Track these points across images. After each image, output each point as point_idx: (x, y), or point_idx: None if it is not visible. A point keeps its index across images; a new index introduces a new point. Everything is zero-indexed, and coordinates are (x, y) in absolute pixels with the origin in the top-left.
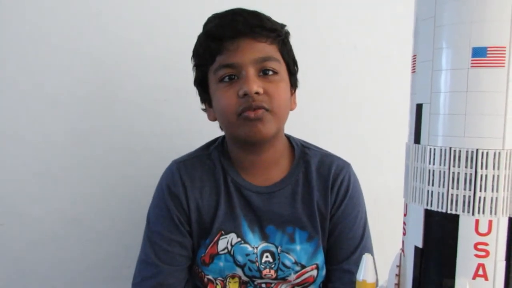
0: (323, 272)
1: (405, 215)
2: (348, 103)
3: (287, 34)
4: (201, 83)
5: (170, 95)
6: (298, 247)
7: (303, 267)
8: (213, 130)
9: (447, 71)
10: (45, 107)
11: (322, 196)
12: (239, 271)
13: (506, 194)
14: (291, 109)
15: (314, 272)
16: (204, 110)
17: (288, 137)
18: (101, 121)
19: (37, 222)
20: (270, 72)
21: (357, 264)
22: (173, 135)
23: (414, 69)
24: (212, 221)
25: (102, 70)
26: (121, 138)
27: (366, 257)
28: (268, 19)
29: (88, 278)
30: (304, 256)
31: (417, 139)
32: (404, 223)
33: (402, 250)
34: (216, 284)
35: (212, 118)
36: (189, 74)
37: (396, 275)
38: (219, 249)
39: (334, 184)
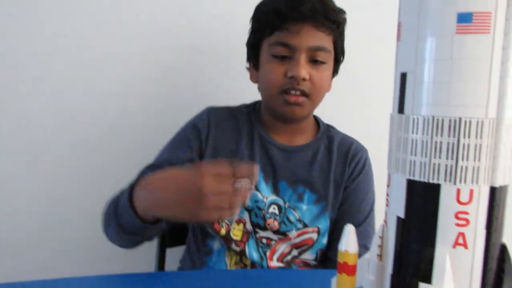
0: (324, 239)
1: (388, 186)
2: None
3: (344, 22)
4: (253, 47)
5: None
6: (304, 207)
7: (305, 226)
8: None
9: (432, 38)
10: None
11: (339, 167)
12: (246, 216)
13: (488, 164)
14: (327, 91)
15: (315, 236)
16: (247, 69)
17: (315, 116)
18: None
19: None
20: (319, 61)
21: (360, 236)
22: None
23: (399, 37)
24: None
25: (89, 52)
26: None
27: (348, 228)
28: (333, 8)
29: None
30: (308, 216)
31: (401, 109)
32: (388, 194)
33: (385, 221)
34: (222, 226)
35: (254, 80)
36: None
37: (379, 246)
38: None
39: (352, 160)
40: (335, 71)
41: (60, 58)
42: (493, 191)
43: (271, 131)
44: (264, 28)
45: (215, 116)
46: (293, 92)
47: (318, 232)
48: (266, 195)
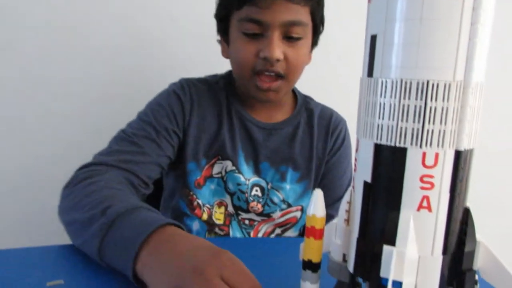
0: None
1: (356, 151)
2: None
3: None
4: (222, 20)
5: None
6: (288, 186)
7: (289, 206)
8: None
9: None
10: None
11: (321, 141)
12: (227, 199)
13: (454, 127)
14: (306, 64)
15: (298, 214)
16: (219, 42)
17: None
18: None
19: None
20: (295, 38)
21: (338, 210)
22: None
23: None
24: (210, 143)
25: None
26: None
27: (316, 193)
28: None
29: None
30: (292, 196)
31: (370, 72)
32: (356, 159)
33: (353, 186)
34: (203, 211)
35: (226, 55)
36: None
37: (346, 211)
38: (213, 172)
39: (334, 131)
40: (314, 43)
41: None
42: (458, 154)
43: (249, 108)
44: (232, 2)
45: (194, 90)
46: (266, 73)
47: (302, 210)
48: (248, 177)
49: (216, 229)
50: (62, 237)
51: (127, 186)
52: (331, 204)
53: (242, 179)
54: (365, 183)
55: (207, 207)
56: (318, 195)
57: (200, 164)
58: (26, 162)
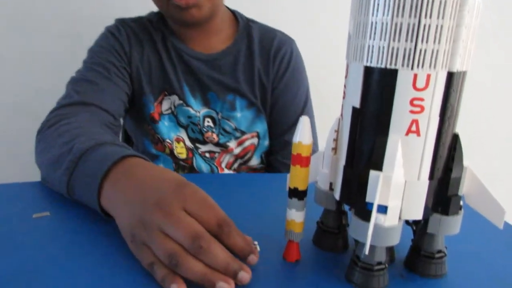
0: (265, 142)
1: (346, 77)
2: None
3: None
4: None
5: None
6: (238, 114)
7: (243, 133)
8: None
9: None
10: None
11: (263, 67)
12: (183, 133)
13: (447, 47)
14: None
15: (255, 140)
16: None
17: (233, 11)
18: None
19: None
20: None
21: None
22: None
23: None
24: (154, 79)
25: None
26: None
27: (303, 120)
28: None
29: None
30: (244, 123)
31: None
32: (345, 86)
33: (341, 114)
34: (165, 146)
35: None
36: None
37: (334, 140)
38: (163, 109)
39: (276, 56)
40: None
41: None
42: (450, 76)
43: (185, 40)
44: None
45: (131, 30)
46: None
47: (258, 136)
48: (198, 109)
49: (181, 163)
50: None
51: (97, 123)
52: (288, 130)
53: (192, 111)
54: (354, 108)
55: (168, 142)
56: (304, 122)
57: (150, 100)
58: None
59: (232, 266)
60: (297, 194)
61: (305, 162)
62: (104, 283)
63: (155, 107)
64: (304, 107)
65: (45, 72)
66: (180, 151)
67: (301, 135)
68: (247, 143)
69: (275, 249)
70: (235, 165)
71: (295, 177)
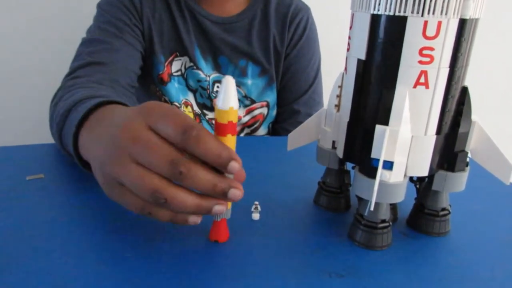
0: (274, 112)
1: (350, 28)
2: None
3: None
4: None
5: None
6: (249, 81)
7: (252, 102)
8: None
9: None
10: None
11: (279, 33)
12: (191, 97)
13: None
14: None
15: (265, 110)
16: None
17: None
18: None
19: None
20: None
21: (306, 105)
22: None
23: None
24: (166, 39)
25: None
26: None
27: (226, 80)
28: None
29: None
30: (254, 91)
31: None
32: (349, 37)
33: (345, 68)
34: None
35: None
36: None
37: (337, 96)
38: (173, 70)
39: (292, 22)
40: None
41: None
42: (462, 24)
43: (199, 0)
44: None
45: None
46: None
47: (268, 106)
48: (208, 73)
49: None
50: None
51: (107, 84)
52: (298, 99)
53: (202, 75)
54: (359, 61)
55: (176, 105)
56: (228, 82)
57: (160, 60)
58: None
59: (220, 185)
60: None
61: (235, 129)
62: (98, 247)
63: (165, 68)
64: (315, 78)
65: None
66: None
67: (232, 99)
68: (256, 112)
69: (275, 210)
70: (242, 134)
71: None
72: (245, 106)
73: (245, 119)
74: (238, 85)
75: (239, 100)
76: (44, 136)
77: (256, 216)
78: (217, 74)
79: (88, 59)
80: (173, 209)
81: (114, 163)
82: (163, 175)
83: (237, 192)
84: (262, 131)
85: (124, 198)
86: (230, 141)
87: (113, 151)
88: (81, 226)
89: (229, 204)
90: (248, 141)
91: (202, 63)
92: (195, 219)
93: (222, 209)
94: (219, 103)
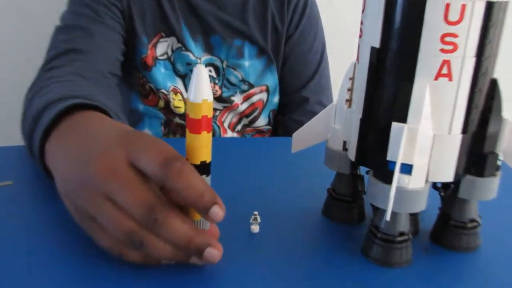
0: (275, 98)
1: (363, 11)
2: None
3: None
4: None
5: None
6: (246, 63)
7: (250, 86)
8: None
9: None
10: None
11: (277, 11)
12: (179, 84)
13: None
14: None
15: (264, 96)
16: None
17: None
18: None
19: None
20: None
21: (314, 90)
22: None
23: None
24: (148, 16)
25: None
26: None
27: (198, 69)
28: None
29: None
30: (252, 74)
31: None
32: (361, 22)
33: (357, 58)
34: (159, 97)
35: None
36: None
37: (348, 89)
38: (158, 53)
39: (291, 0)
40: None
41: None
42: (489, 7)
43: None
44: None
45: None
46: None
47: (267, 91)
48: (199, 56)
49: (176, 118)
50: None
51: (87, 74)
52: (305, 85)
53: (192, 57)
54: (373, 49)
55: (163, 92)
56: (200, 71)
57: (142, 42)
58: None
59: (196, 241)
60: (205, 169)
61: (210, 125)
62: (72, 263)
63: (149, 50)
64: (321, 60)
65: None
66: (178, 104)
67: (205, 90)
68: (255, 99)
69: (277, 221)
70: (239, 126)
71: (203, 148)
72: (242, 92)
73: (243, 107)
74: (235, 67)
75: (235, 85)
76: (14, 137)
77: (255, 228)
78: (210, 56)
79: (65, 46)
80: (148, 254)
81: (86, 198)
82: (137, 220)
83: (214, 253)
84: (262, 120)
85: (94, 233)
86: (206, 139)
87: (85, 183)
88: (54, 239)
89: None
90: (245, 142)
91: (192, 44)
92: (169, 262)
93: (197, 262)
94: (190, 95)
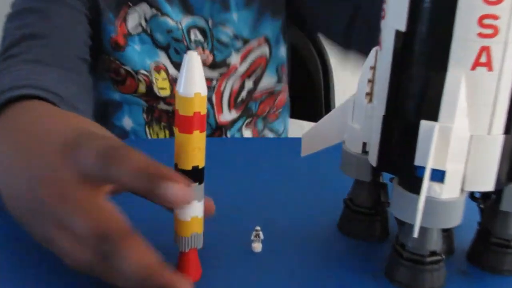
0: (281, 50)
1: None
2: None
3: None
4: None
5: None
6: (234, 15)
7: (245, 41)
8: None
9: None
10: None
11: None
12: (163, 57)
13: None
14: None
15: (265, 49)
16: None
17: None
18: None
19: None
20: None
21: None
22: None
23: None
24: None
25: None
26: None
27: (189, 56)
28: None
29: None
30: (244, 26)
31: None
32: (384, 1)
33: (379, 43)
34: (139, 80)
35: None
36: None
37: (369, 80)
38: (129, 28)
39: None
40: None
41: None
42: None
43: None
44: None
45: None
46: None
47: (268, 43)
48: (178, 19)
49: (161, 104)
50: None
51: (49, 62)
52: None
53: (171, 22)
54: (398, 33)
55: (143, 74)
56: (192, 58)
57: (108, 18)
58: None
59: (155, 278)
60: (197, 176)
61: (204, 124)
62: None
63: (118, 28)
64: None
65: None
66: (162, 85)
67: (198, 82)
68: (254, 55)
69: (283, 239)
70: (244, 93)
71: (195, 150)
72: (237, 50)
73: (242, 68)
74: (223, 23)
75: (228, 44)
76: None
77: (257, 246)
78: (190, 18)
79: (20, 33)
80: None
81: (38, 226)
82: (91, 250)
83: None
84: (269, 78)
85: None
86: (198, 140)
87: (35, 209)
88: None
89: (201, 228)
90: (246, 143)
91: (167, 6)
92: None
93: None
94: (180, 87)
